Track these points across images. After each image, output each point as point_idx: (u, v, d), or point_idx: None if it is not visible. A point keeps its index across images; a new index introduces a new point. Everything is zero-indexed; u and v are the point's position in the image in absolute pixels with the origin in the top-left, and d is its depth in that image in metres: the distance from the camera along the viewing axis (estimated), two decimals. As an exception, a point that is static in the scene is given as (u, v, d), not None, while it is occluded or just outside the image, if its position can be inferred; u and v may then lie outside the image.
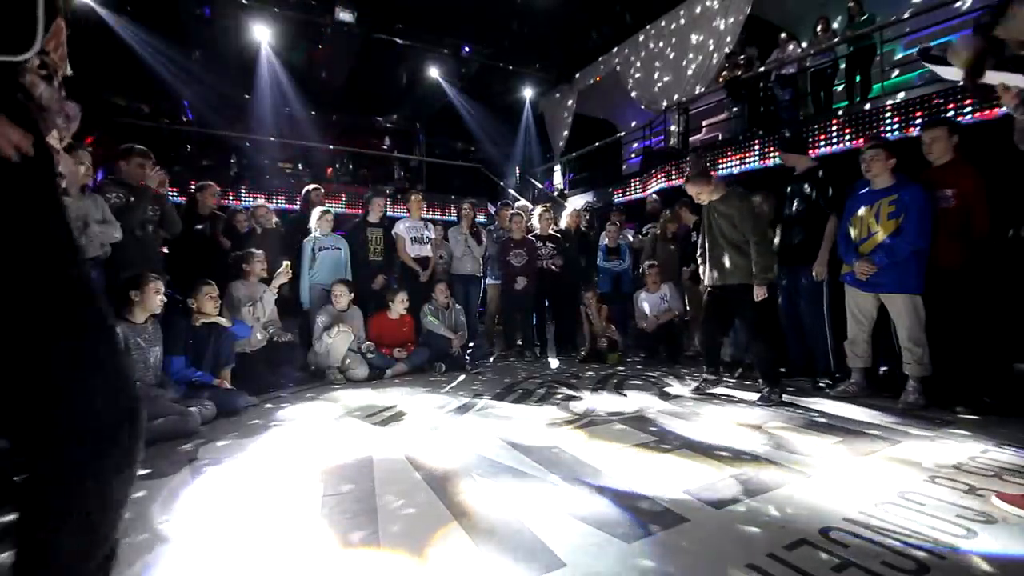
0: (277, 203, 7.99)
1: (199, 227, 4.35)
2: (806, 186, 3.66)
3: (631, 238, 6.11)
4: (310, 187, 5.35)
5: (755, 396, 3.27)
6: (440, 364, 4.47)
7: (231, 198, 7.90)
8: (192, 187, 4.91)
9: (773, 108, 7.18)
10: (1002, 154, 2.84)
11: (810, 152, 4.45)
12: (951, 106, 4.56)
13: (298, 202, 5.87)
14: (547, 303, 5.62)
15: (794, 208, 3.72)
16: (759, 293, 3.22)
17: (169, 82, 9.29)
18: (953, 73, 1.51)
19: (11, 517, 1.68)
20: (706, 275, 3.51)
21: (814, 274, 3.54)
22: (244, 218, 4.71)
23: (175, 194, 6.51)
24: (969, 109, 4.43)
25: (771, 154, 6.08)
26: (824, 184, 3.57)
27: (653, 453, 2.26)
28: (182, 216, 4.03)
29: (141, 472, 2.06)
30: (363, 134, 12.62)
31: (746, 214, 3.28)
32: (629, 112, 10.93)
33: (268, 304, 3.85)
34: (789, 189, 3.81)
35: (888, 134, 4.95)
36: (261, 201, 5.91)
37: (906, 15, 6.11)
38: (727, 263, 3.34)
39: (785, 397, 3.23)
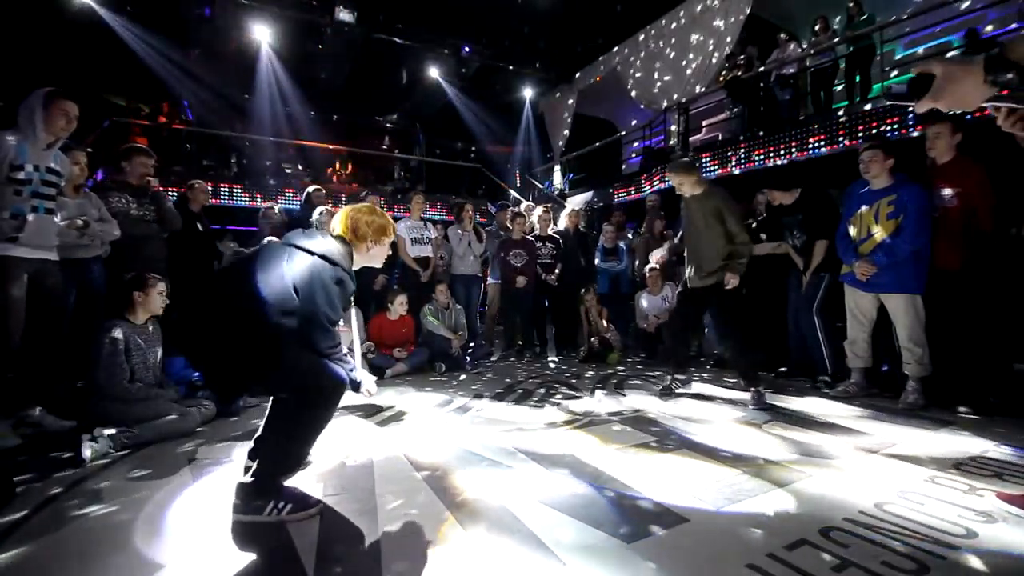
0: (277, 203, 7.98)
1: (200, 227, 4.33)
2: (799, 217, 3.77)
3: (631, 238, 6.12)
4: (311, 188, 5.35)
5: (746, 395, 3.25)
6: (440, 364, 4.47)
7: (229, 197, 7.91)
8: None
9: (774, 109, 7.18)
10: (1003, 153, 2.84)
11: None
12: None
13: (298, 202, 5.85)
14: (547, 303, 5.62)
15: (795, 240, 3.83)
16: (731, 280, 3.12)
17: (169, 82, 9.29)
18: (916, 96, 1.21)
19: (12, 517, 1.68)
20: (688, 275, 3.40)
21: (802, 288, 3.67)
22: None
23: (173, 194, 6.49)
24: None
25: (771, 155, 6.09)
26: (811, 217, 3.68)
27: (653, 453, 2.26)
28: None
29: (141, 472, 2.07)
30: (363, 134, 12.61)
31: (732, 206, 3.22)
32: (629, 112, 10.92)
33: None
34: (785, 221, 3.91)
35: (890, 134, 4.95)
36: (269, 204, 5.84)
37: (906, 15, 6.10)
38: (706, 261, 3.24)
39: (784, 398, 3.22)
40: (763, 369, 4.00)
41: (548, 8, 9.34)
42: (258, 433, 1.74)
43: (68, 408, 2.80)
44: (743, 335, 3.30)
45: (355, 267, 1.88)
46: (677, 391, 3.43)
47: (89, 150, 3.40)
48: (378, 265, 2.02)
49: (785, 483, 1.88)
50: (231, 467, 2.13)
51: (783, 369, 4.02)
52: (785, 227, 3.91)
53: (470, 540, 1.49)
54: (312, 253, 1.70)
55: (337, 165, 11.32)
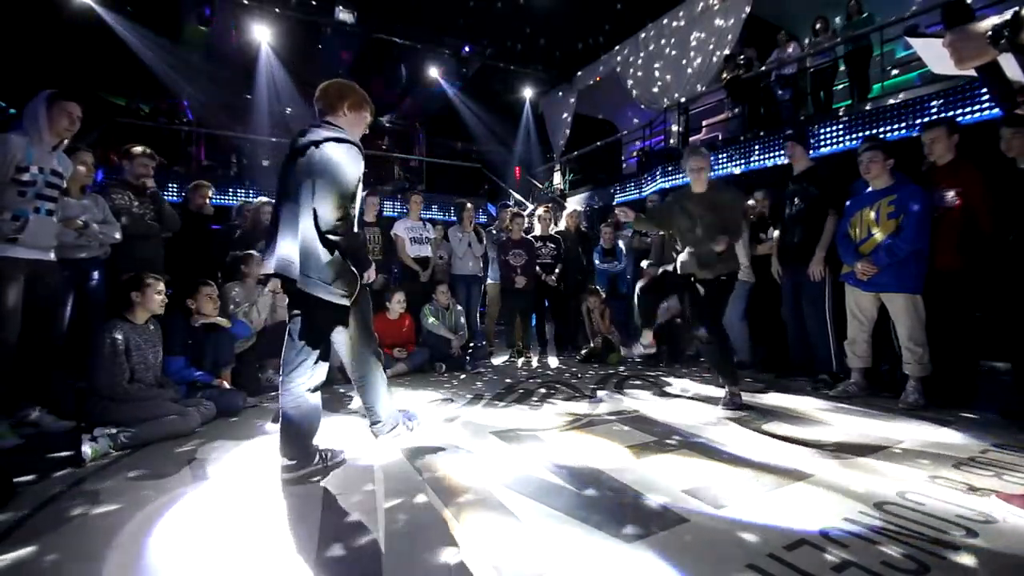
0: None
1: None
2: (805, 185, 3.66)
3: (630, 238, 6.10)
4: None
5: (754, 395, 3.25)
6: (440, 364, 4.47)
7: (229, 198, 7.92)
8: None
9: (774, 109, 7.18)
10: (1002, 156, 2.84)
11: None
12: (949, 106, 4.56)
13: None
14: (547, 303, 5.61)
15: (794, 208, 3.72)
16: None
17: (169, 82, 9.29)
18: (938, 56, 1.38)
19: (12, 517, 1.68)
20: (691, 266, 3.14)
21: (811, 274, 3.53)
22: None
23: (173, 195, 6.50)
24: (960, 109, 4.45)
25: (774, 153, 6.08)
26: (825, 182, 3.58)
27: (653, 453, 2.26)
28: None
29: (141, 472, 2.07)
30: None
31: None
32: (629, 112, 10.93)
33: (264, 308, 3.83)
34: (788, 189, 3.80)
35: (890, 134, 4.95)
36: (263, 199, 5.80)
37: (908, 15, 6.09)
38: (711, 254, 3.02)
39: (784, 397, 3.21)
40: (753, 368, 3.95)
41: (548, 8, 9.34)
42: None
43: (68, 408, 2.80)
44: (724, 331, 3.20)
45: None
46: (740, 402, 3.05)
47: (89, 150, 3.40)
48: (359, 131, 2.26)
49: (784, 483, 1.88)
50: (231, 467, 2.14)
51: (783, 370, 4.01)
52: (785, 196, 3.80)
53: (470, 540, 1.49)
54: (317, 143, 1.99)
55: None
